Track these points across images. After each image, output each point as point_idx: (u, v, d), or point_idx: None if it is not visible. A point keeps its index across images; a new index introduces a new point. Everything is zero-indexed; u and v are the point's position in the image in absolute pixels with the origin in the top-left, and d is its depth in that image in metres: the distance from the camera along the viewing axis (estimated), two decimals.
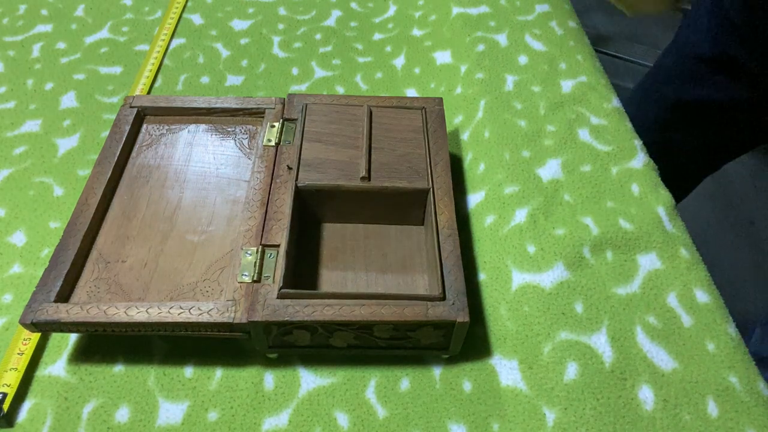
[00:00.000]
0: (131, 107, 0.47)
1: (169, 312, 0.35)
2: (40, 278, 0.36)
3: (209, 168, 0.45)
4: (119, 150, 0.44)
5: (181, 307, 0.35)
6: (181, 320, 0.34)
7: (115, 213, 0.42)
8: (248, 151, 0.46)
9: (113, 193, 0.43)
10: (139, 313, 0.34)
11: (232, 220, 0.41)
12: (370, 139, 0.44)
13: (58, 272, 0.37)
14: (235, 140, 0.47)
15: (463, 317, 0.35)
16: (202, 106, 0.47)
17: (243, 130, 0.47)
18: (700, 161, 0.73)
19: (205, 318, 0.34)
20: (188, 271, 0.38)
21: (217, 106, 0.47)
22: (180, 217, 0.42)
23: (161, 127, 0.47)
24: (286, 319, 0.34)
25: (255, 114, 0.48)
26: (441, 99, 0.48)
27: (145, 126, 0.47)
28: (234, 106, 0.47)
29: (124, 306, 0.35)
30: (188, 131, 0.47)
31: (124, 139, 0.45)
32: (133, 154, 0.45)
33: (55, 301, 0.35)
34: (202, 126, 0.48)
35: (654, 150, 0.71)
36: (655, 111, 0.70)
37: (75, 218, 0.40)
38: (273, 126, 0.45)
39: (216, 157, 0.45)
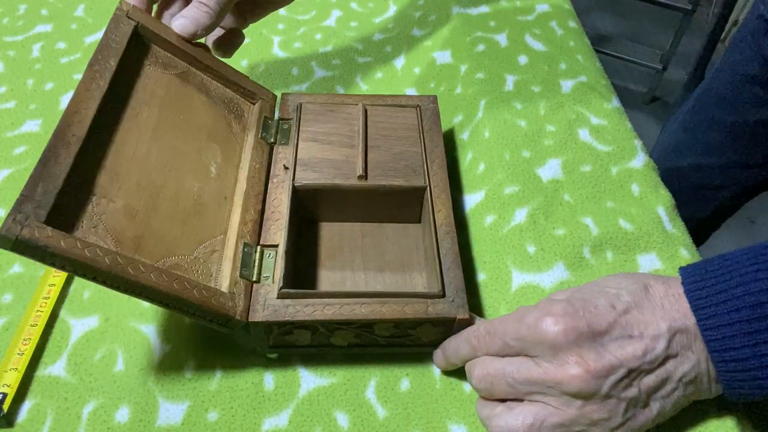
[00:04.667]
0: (128, 18, 0.39)
1: (164, 278, 0.32)
2: (26, 184, 0.30)
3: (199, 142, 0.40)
4: (115, 66, 0.37)
5: (178, 278, 0.33)
6: (171, 292, 0.32)
7: (103, 138, 0.35)
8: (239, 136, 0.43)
9: (101, 112, 0.35)
10: (143, 274, 0.31)
11: (224, 204, 0.39)
12: (366, 137, 0.44)
13: (47, 187, 0.30)
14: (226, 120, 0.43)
15: (462, 314, 0.35)
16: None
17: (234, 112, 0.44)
18: (754, 182, 0.72)
19: (204, 302, 0.33)
20: (181, 241, 0.36)
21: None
22: (172, 178, 0.38)
23: (169, 57, 0.42)
24: (286, 319, 0.34)
25: (248, 96, 0.45)
26: (435, 97, 0.48)
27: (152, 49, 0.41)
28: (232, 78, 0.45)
29: (126, 261, 0.31)
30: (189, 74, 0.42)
31: (120, 56, 0.37)
32: (128, 72, 0.39)
33: (46, 223, 0.30)
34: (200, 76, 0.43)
35: (707, 174, 0.71)
36: (710, 135, 0.70)
37: (66, 125, 0.33)
38: (269, 122, 0.45)
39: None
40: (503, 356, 0.33)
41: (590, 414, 0.31)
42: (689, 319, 0.31)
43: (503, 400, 0.34)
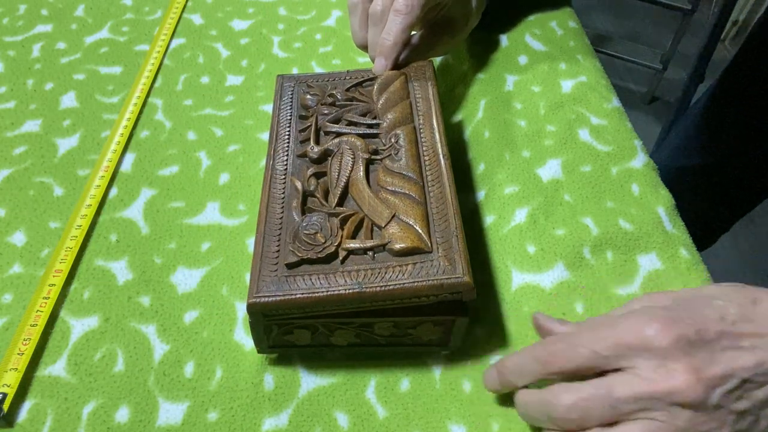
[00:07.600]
0: None
1: None
2: None
3: None
4: None
5: None
6: None
7: None
8: None
9: None
10: None
11: None
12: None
13: None
14: None
15: (463, 313, 0.35)
16: None
17: None
18: None
19: None
20: None
21: None
22: None
23: None
24: (287, 318, 0.34)
25: None
26: None
27: None
28: None
29: None
30: None
31: None
32: None
33: None
34: None
35: (718, 174, 0.69)
36: (723, 134, 0.68)
37: None
38: None
39: None
40: (582, 374, 0.31)
41: (699, 425, 0.29)
42: None
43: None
